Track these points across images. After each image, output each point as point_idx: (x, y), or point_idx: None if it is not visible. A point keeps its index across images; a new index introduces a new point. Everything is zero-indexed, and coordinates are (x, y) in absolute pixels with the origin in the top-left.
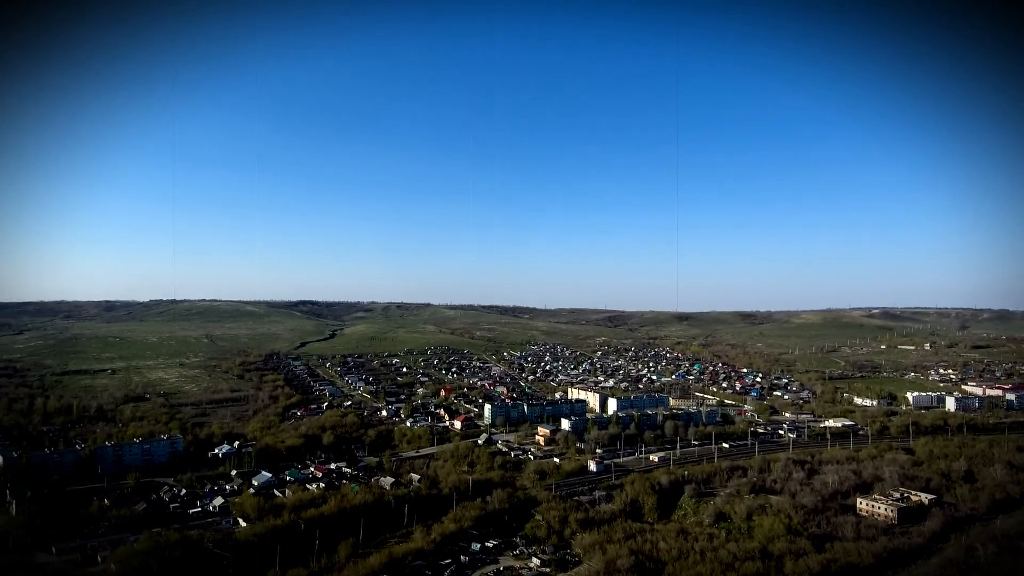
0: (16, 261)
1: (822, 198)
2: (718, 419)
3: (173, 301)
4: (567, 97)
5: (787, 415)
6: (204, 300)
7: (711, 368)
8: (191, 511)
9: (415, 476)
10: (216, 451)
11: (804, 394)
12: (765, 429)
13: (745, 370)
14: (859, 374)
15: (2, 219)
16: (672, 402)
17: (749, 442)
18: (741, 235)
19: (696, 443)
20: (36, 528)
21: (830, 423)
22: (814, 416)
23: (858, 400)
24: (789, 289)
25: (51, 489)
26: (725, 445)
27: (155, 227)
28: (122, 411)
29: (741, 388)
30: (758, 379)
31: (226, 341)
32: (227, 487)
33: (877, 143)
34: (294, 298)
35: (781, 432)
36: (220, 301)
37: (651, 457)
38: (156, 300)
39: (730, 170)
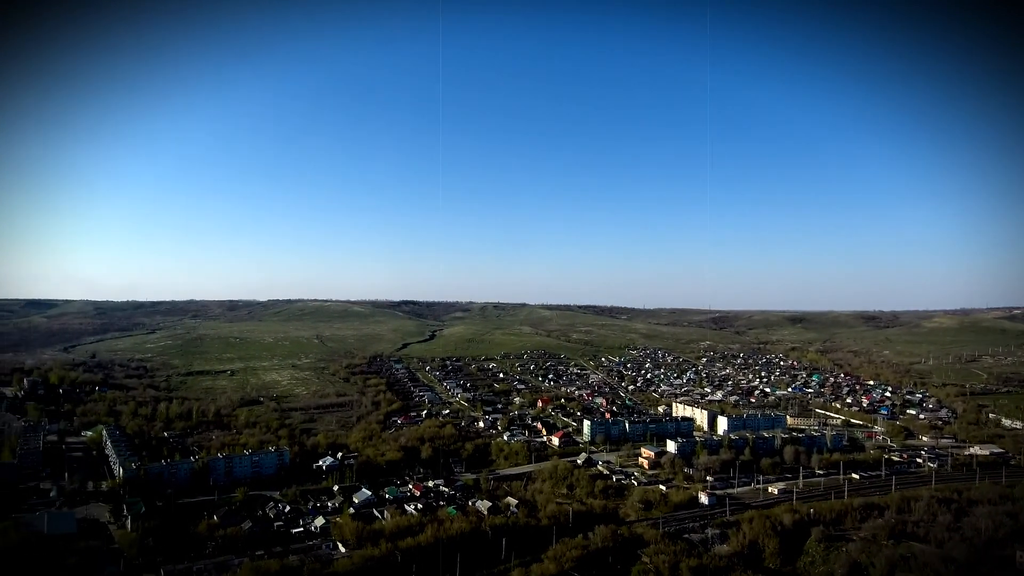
0: (157, 264)
1: (949, 185)
2: (845, 443)
3: (288, 301)
4: (663, 93)
5: (924, 439)
6: (316, 300)
7: (832, 380)
8: (294, 531)
9: (512, 501)
10: (320, 463)
11: (943, 413)
12: (900, 456)
13: (871, 382)
14: (1004, 389)
15: (150, 227)
16: (790, 421)
17: (883, 473)
18: (861, 227)
19: (821, 472)
20: (147, 547)
21: (976, 450)
22: (956, 440)
23: (1006, 421)
24: (917, 287)
25: (165, 502)
26: (855, 476)
27: (275, 230)
28: (237, 416)
29: (868, 405)
30: (887, 394)
31: (334, 342)
32: (328, 504)
33: (1013, 128)
34: (397, 298)
35: (919, 460)
36: (331, 301)
37: (769, 489)
38: (273, 300)
39: (845, 160)
